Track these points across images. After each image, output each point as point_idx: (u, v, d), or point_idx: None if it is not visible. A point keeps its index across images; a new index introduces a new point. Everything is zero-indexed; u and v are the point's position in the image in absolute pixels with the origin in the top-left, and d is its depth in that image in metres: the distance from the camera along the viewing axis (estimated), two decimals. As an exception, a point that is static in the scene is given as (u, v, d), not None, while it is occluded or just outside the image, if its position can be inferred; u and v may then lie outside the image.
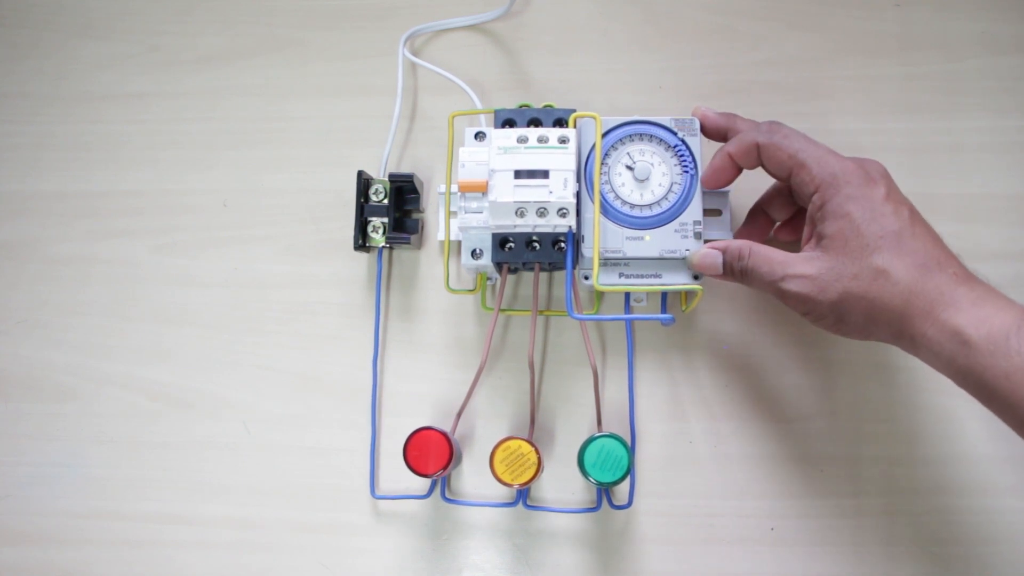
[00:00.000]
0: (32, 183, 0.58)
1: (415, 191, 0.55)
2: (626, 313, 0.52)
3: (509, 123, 0.48)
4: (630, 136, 0.49)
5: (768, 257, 0.43)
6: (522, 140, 0.46)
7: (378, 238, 0.53)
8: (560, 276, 0.53)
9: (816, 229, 0.43)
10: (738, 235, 0.51)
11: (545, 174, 0.46)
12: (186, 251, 0.56)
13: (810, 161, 0.43)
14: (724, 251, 0.45)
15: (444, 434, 0.47)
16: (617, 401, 0.52)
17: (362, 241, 0.53)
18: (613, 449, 0.46)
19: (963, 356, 0.38)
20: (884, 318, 0.40)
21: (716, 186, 0.48)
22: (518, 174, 0.46)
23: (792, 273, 0.42)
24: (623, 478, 0.45)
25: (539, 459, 0.46)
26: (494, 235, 0.47)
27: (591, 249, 0.47)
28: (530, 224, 0.46)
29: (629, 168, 0.49)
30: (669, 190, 0.49)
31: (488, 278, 0.53)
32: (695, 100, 0.55)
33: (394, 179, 0.53)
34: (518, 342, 0.53)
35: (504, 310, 0.53)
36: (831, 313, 0.42)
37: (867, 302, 0.40)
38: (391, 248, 0.54)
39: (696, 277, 0.49)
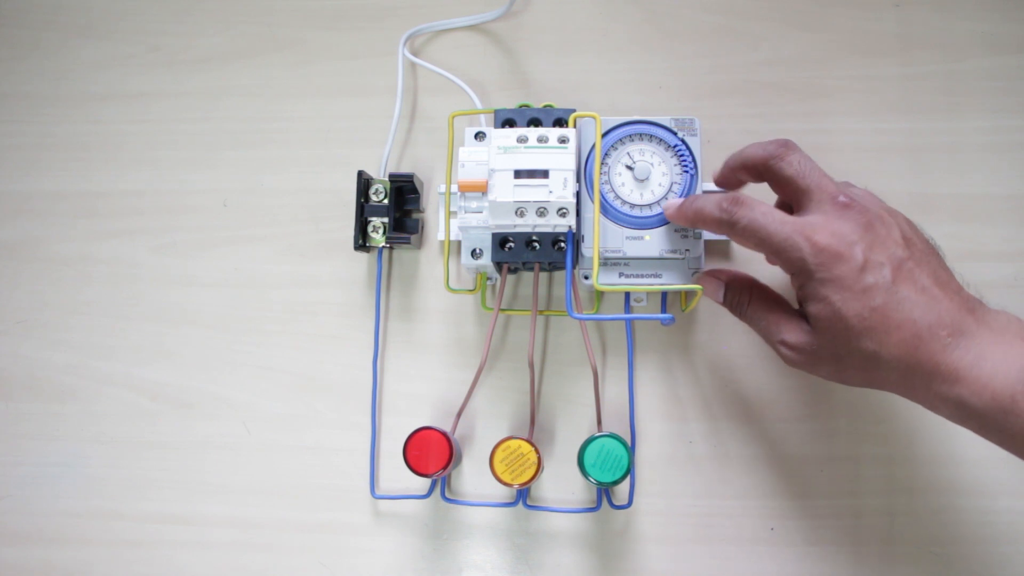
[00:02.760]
0: (32, 183, 0.58)
1: (415, 191, 0.55)
2: (626, 313, 0.52)
3: (509, 123, 0.48)
4: (630, 136, 0.49)
5: (767, 310, 0.43)
6: (522, 140, 0.46)
7: (378, 238, 0.53)
8: (560, 276, 0.53)
9: (801, 304, 0.41)
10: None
11: (545, 174, 0.46)
12: (186, 251, 0.56)
13: (776, 248, 0.40)
14: (727, 285, 0.45)
15: (444, 434, 0.47)
16: (617, 401, 0.52)
17: (362, 241, 0.53)
18: (613, 449, 0.46)
19: (973, 422, 0.37)
20: (884, 387, 0.40)
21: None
22: (518, 174, 0.46)
23: (786, 340, 0.41)
24: (623, 478, 0.45)
25: (539, 459, 0.46)
26: (494, 235, 0.47)
27: (591, 249, 0.47)
28: (530, 224, 0.46)
29: (629, 168, 0.49)
30: (669, 190, 0.49)
31: (488, 278, 0.53)
32: (695, 100, 0.56)
33: (394, 179, 0.53)
34: (518, 342, 0.53)
35: (504, 310, 0.53)
36: (828, 378, 0.41)
37: (863, 375, 0.40)
38: (391, 248, 0.54)
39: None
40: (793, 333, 0.41)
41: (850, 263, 0.38)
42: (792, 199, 0.42)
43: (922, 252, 0.39)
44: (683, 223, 0.46)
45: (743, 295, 0.44)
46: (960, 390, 0.37)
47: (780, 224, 0.39)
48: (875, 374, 0.39)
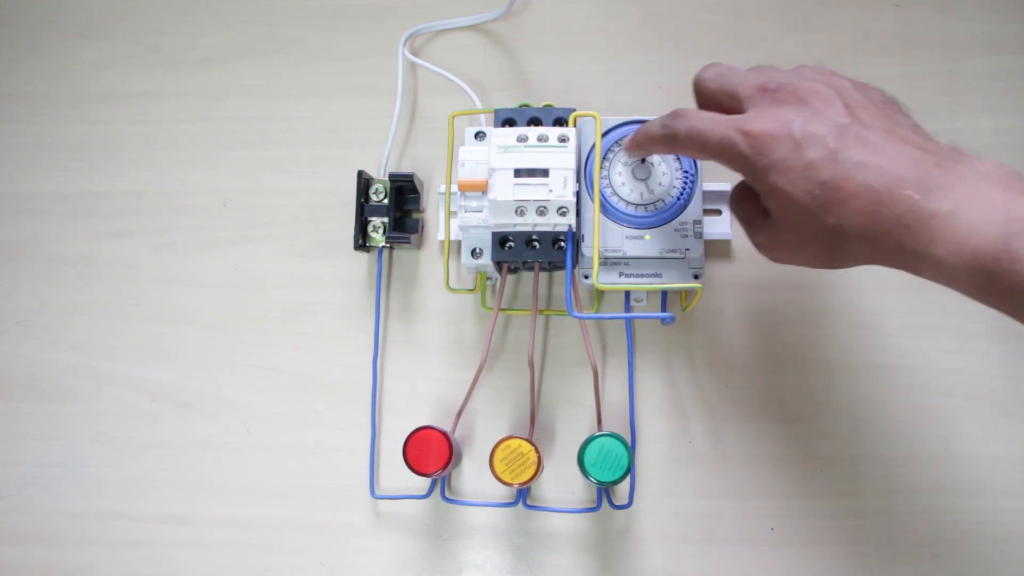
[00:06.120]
0: (32, 183, 0.58)
1: (415, 191, 0.55)
2: (626, 312, 0.52)
3: (509, 122, 0.48)
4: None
5: (746, 211, 0.41)
6: (522, 139, 0.46)
7: (378, 238, 0.53)
8: (560, 275, 0.53)
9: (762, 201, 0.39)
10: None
11: (545, 173, 0.45)
12: (186, 251, 0.56)
13: (715, 149, 0.38)
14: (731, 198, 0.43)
15: (444, 434, 0.47)
16: (617, 401, 0.52)
17: (362, 241, 0.53)
18: (613, 448, 0.46)
19: (956, 283, 0.34)
20: (861, 261, 0.37)
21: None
22: (518, 173, 0.46)
23: (757, 241, 0.41)
24: (623, 478, 0.45)
25: (539, 458, 0.46)
26: (494, 234, 0.47)
27: (591, 248, 0.47)
28: (530, 223, 0.46)
29: (629, 167, 0.49)
30: (669, 189, 0.49)
31: (488, 278, 0.53)
32: (695, 100, 0.55)
33: (394, 179, 0.53)
34: (518, 342, 0.53)
35: (504, 310, 0.53)
36: (808, 265, 0.39)
37: (836, 254, 0.37)
38: (391, 248, 0.54)
39: (696, 276, 0.49)
40: (762, 232, 0.40)
41: (787, 143, 0.36)
42: (732, 111, 0.40)
43: (873, 114, 0.37)
44: (638, 152, 0.45)
45: (736, 193, 0.43)
46: (936, 250, 0.33)
47: (714, 124, 0.38)
48: (846, 250, 0.37)
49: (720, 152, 0.38)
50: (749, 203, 0.41)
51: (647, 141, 0.43)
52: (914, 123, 0.38)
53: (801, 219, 0.37)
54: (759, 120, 0.37)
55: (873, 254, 0.36)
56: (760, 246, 0.41)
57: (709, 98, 0.41)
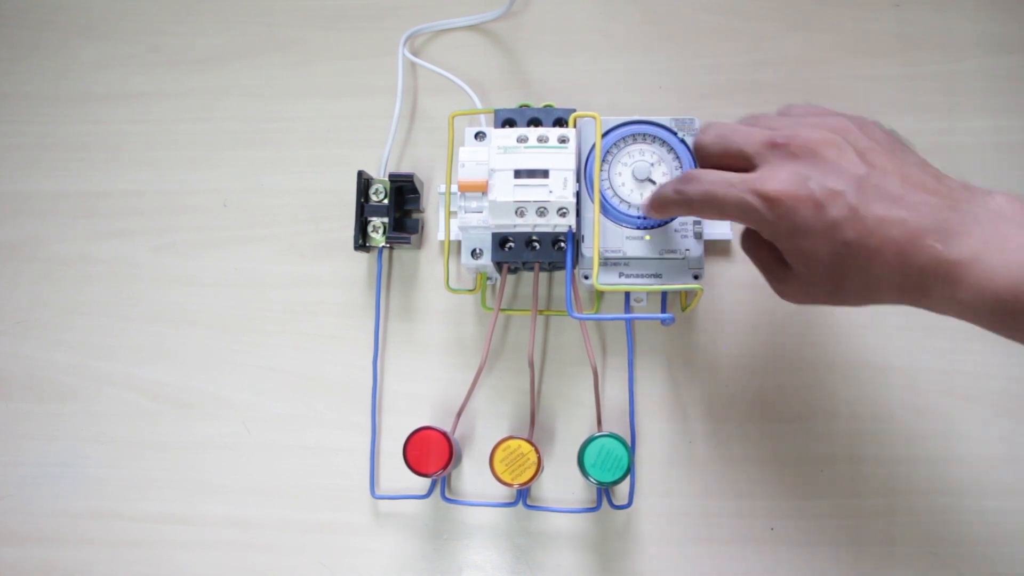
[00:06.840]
0: (32, 183, 0.58)
1: (415, 191, 0.55)
2: (626, 313, 0.52)
3: (509, 123, 0.48)
4: (630, 136, 0.49)
5: (763, 259, 0.41)
6: (522, 140, 0.46)
7: (378, 238, 0.53)
8: (560, 276, 0.53)
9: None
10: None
11: (545, 173, 0.45)
12: (186, 251, 0.56)
13: (733, 213, 0.38)
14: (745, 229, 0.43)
15: (444, 434, 0.47)
16: (617, 401, 0.52)
17: (362, 241, 0.53)
18: (613, 449, 0.46)
19: (983, 322, 0.35)
20: (887, 302, 0.38)
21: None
22: (518, 173, 0.46)
23: (780, 290, 0.40)
24: (623, 478, 0.45)
25: (539, 459, 0.46)
26: (494, 235, 0.47)
27: (591, 249, 0.47)
28: (530, 223, 0.46)
29: (629, 167, 0.49)
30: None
31: (488, 278, 0.53)
32: (695, 100, 0.56)
33: (394, 179, 0.53)
34: (518, 342, 0.53)
35: (504, 310, 0.53)
36: (832, 306, 0.40)
37: (862, 299, 0.38)
38: (391, 248, 0.54)
39: (696, 277, 0.49)
40: (784, 282, 0.40)
41: (807, 203, 0.35)
42: (741, 169, 0.39)
43: (887, 158, 0.37)
44: (657, 215, 0.44)
45: (748, 240, 0.42)
46: (961, 294, 0.34)
47: (728, 187, 0.37)
48: (871, 296, 0.37)
49: (739, 216, 0.38)
50: (764, 251, 0.41)
51: (662, 205, 0.42)
52: (920, 159, 0.38)
53: (826, 276, 0.37)
54: (774, 179, 0.36)
55: (897, 299, 0.37)
56: (782, 294, 0.40)
57: (716, 162, 0.40)
